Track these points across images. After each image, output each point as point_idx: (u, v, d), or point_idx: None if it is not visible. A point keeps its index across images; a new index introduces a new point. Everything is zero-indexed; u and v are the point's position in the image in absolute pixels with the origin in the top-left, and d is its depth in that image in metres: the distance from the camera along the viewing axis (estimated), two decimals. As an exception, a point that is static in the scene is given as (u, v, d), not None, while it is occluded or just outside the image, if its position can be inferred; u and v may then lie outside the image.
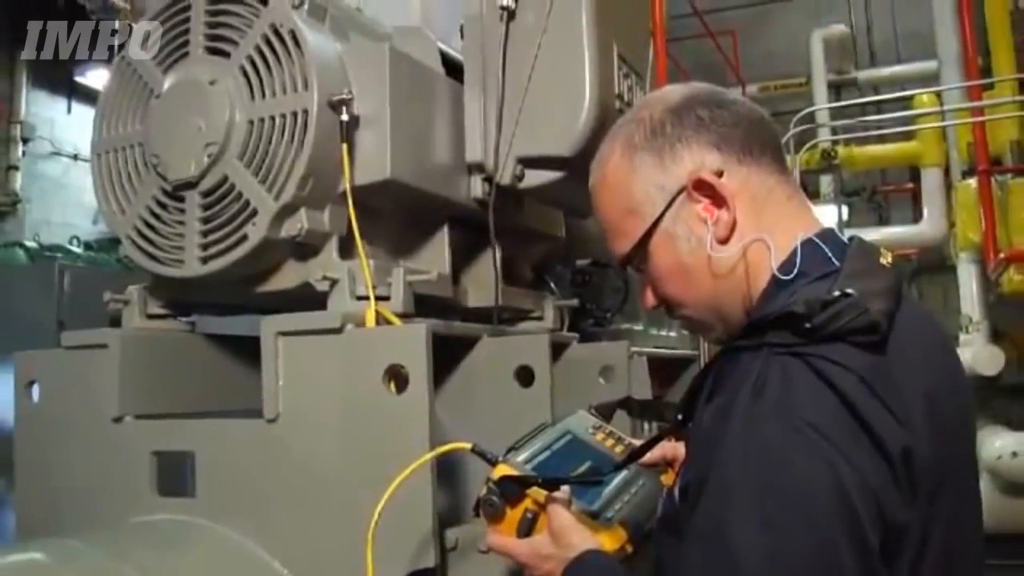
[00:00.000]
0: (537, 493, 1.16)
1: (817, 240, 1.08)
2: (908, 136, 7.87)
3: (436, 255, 1.85)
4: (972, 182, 6.23)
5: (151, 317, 1.78)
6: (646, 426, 2.59)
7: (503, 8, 1.71)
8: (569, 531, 1.14)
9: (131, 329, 1.73)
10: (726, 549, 0.88)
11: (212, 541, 1.48)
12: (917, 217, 8.56)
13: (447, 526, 1.45)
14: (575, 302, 2.38)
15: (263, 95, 1.54)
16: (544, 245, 2.33)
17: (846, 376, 0.92)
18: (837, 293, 0.96)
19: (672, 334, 3.91)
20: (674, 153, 1.13)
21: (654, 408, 1.45)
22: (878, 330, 0.96)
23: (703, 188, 1.11)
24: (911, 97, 7.20)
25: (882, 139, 8.06)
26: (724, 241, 1.10)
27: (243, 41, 1.56)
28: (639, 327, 3.44)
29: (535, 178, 1.76)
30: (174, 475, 1.62)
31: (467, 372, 1.92)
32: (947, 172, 7.35)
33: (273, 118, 1.52)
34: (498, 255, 1.85)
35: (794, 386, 0.92)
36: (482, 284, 2.00)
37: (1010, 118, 5.98)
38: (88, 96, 9.46)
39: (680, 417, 1.08)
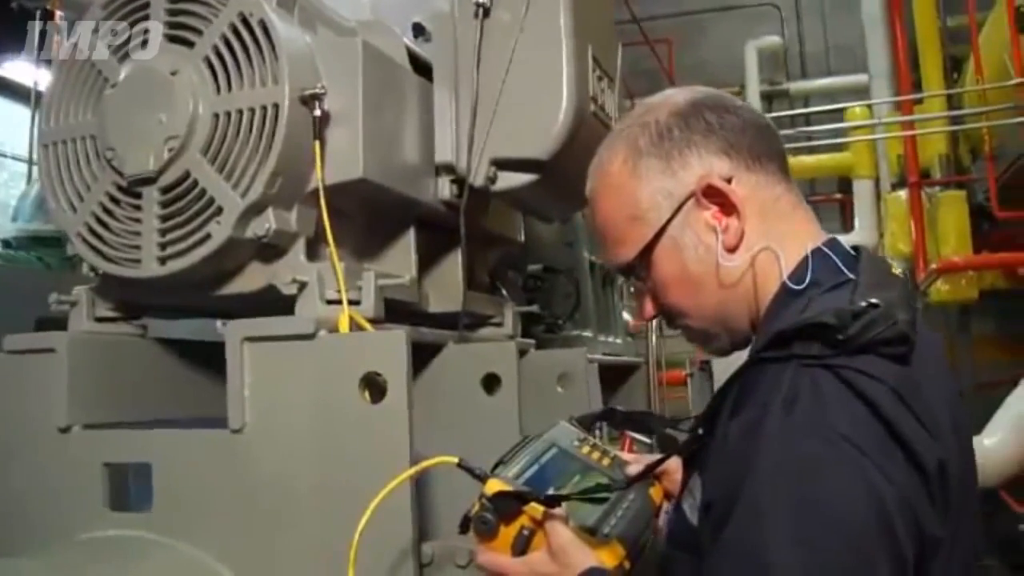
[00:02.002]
0: (534, 510, 1.10)
1: (826, 249, 1.06)
2: (838, 147, 8.04)
3: (402, 258, 1.79)
4: (902, 194, 6.40)
5: (99, 320, 1.68)
6: (597, 434, 2.57)
7: (478, 5, 1.66)
8: (570, 549, 1.08)
9: (80, 332, 1.63)
10: (761, 568, 0.84)
11: (171, 559, 1.39)
12: (844, 227, 8.75)
13: (419, 540, 1.40)
14: (535, 308, 2.34)
15: (229, 88, 1.46)
16: (502, 250, 2.28)
17: (878, 388, 0.89)
18: (864, 304, 0.93)
19: (618, 341, 3.91)
20: (683, 158, 1.09)
21: (638, 419, 1.41)
22: (908, 341, 0.93)
23: (713, 195, 1.07)
24: (844, 109, 7.36)
25: (813, 150, 8.22)
26: (732, 250, 1.07)
27: (208, 30, 1.48)
28: (588, 333, 3.42)
29: (508, 180, 1.71)
30: (127, 489, 1.53)
31: (431, 380, 1.86)
32: (876, 183, 7.54)
33: (240, 112, 1.45)
34: (464, 260, 1.80)
35: (826, 399, 0.89)
36: (444, 289, 1.94)
37: (940, 132, 6.14)
38: (5, 88, 9.07)
39: (701, 431, 1.04)
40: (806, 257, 1.05)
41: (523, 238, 2.29)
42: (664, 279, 1.12)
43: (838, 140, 7.57)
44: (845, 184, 8.88)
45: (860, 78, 8.05)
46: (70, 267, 5.63)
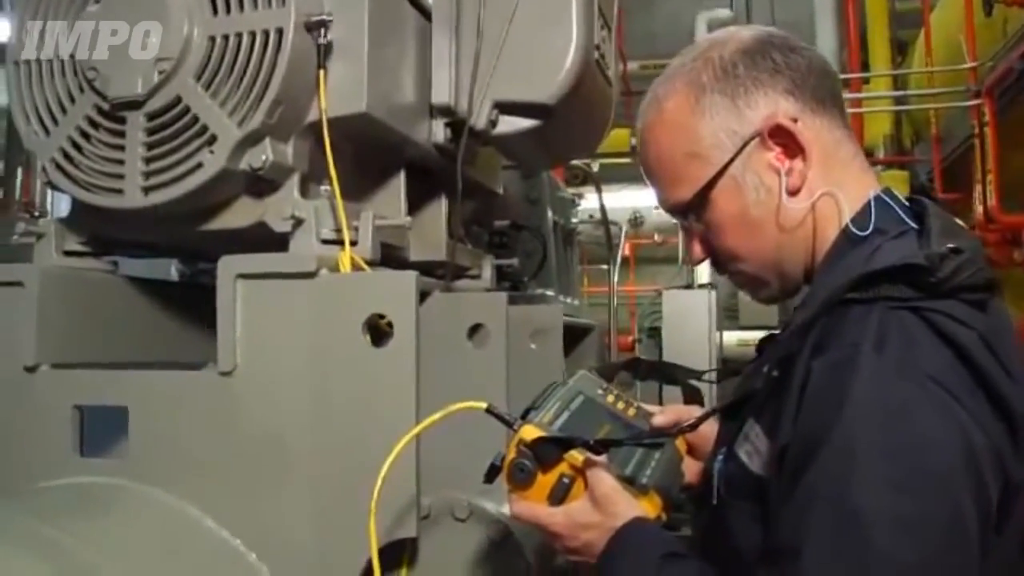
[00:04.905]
0: (573, 458, 1.06)
1: (886, 198, 1.04)
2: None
3: (391, 202, 1.71)
4: (846, 171, 6.48)
5: (68, 254, 1.57)
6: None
7: (487, -59, 1.58)
8: (615, 497, 1.04)
9: (51, 265, 1.52)
10: (851, 512, 0.82)
11: (152, 507, 1.31)
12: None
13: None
14: (515, 261, 2.29)
15: (228, 9, 1.36)
16: (480, 201, 2.22)
17: (967, 333, 0.88)
18: (946, 249, 0.91)
19: (575, 302, 3.88)
20: (748, 96, 1.05)
21: (662, 369, 1.37)
22: (993, 287, 0.92)
23: (779, 135, 1.04)
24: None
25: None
26: (794, 193, 1.04)
27: (205, -55, 1.38)
28: (551, 293, 3.38)
29: (510, 125, 1.64)
30: (99, 433, 1.44)
31: (415, 329, 1.79)
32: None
33: (240, 35, 1.35)
34: (457, 207, 1.74)
35: (916, 341, 0.88)
36: (426, 236, 1.87)
37: (887, 112, 6.23)
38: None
39: (776, 373, 1.00)
40: (868, 204, 1.03)
41: (502, 190, 2.23)
42: (721, 221, 1.08)
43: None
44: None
45: (807, 55, 8.11)
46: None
